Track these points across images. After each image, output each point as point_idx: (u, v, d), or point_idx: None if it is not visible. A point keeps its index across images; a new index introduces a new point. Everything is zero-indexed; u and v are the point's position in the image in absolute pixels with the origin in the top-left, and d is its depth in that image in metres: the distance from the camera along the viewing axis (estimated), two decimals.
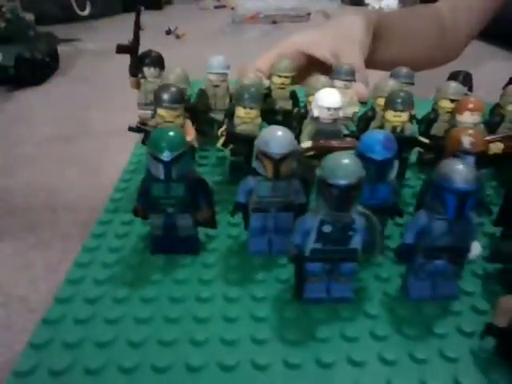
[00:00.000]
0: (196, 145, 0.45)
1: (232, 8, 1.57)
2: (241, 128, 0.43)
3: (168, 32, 1.35)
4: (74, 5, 1.36)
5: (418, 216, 0.30)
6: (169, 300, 0.33)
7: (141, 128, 0.42)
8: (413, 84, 0.54)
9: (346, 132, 0.43)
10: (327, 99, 0.40)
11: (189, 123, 0.44)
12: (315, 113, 0.41)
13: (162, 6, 1.56)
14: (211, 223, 0.36)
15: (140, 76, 0.52)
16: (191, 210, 0.34)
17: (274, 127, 0.33)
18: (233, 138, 0.43)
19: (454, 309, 0.33)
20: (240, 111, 0.43)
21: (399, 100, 0.42)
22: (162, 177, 0.32)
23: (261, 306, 0.33)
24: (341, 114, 0.41)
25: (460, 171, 0.27)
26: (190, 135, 0.42)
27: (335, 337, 0.30)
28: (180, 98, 0.41)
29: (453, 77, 0.57)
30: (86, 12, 1.39)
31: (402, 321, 0.32)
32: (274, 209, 0.34)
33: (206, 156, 0.54)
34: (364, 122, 0.49)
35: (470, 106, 0.44)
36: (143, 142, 0.43)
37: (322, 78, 0.50)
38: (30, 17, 1.00)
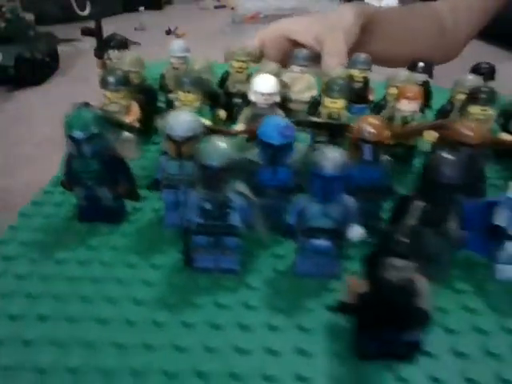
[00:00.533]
0: (137, 125, 0.46)
1: (232, 8, 1.57)
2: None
3: (168, 32, 1.35)
4: (74, 5, 1.36)
5: (298, 199, 0.32)
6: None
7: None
8: (369, 70, 0.54)
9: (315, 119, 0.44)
10: (261, 85, 0.42)
11: (134, 105, 0.46)
12: (251, 98, 0.42)
13: (162, 6, 1.56)
14: (133, 196, 0.39)
15: (106, 58, 0.55)
16: (110, 184, 0.37)
17: (179, 112, 0.35)
18: None
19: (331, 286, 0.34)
20: (180, 94, 0.45)
21: (336, 87, 0.43)
22: (75, 153, 0.35)
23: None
24: (276, 99, 0.42)
25: (327, 158, 0.29)
26: (132, 116, 0.45)
27: (209, 304, 0.32)
28: (124, 81, 0.45)
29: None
30: (86, 12, 1.39)
31: (278, 293, 0.33)
32: (183, 185, 0.36)
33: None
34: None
35: (408, 94, 0.44)
36: None
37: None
38: (29, 17, 1.01)
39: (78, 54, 1.17)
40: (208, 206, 0.31)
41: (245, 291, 0.34)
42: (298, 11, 1.58)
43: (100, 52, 0.54)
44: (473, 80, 0.49)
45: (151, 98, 0.53)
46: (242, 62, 0.55)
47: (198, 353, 0.29)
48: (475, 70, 0.56)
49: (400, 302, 0.23)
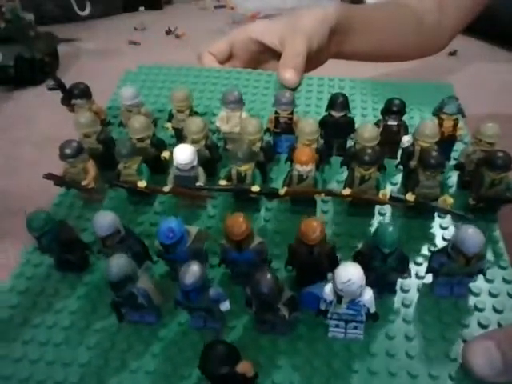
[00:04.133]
0: (93, 185, 0.51)
1: (232, 8, 1.57)
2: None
3: (168, 32, 1.35)
4: (74, 5, 1.36)
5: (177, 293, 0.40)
6: None
7: None
8: (293, 109, 0.57)
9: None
10: (177, 157, 0.48)
11: (90, 165, 0.51)
12: (174, 163, 0.49)
13: (162, 6, 1.56)
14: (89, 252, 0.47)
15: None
16: (70, 252, 0.46)
17: (100, 212, 0.42)
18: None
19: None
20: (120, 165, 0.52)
21: (240, 155, 0.48)
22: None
23: None
24: (195, 163, 0.49)
25: (184, 272, 0.37)
26: (88, 178, 0.50)
27: None
28: (76, 153, 0.50)
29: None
30: (86, 12, 1.39)
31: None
32: None
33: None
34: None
35: (302, 158, 0.48)
36: None
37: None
38: (29, 17, 1.01)
39: (78, 54, 1.17)
40: (119, 299, 0.40)
41: None
42: (297, 11, 1.57)
43: (68, 101, 0.59)
44: (432, 128, 0.51)
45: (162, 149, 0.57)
46: (180, 106, 0.59)
47: None
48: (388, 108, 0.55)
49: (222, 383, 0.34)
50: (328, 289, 0.38)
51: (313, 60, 0.73)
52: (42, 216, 0.42)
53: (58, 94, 0.57)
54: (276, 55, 0.73)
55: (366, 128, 0.51)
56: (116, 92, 0.65)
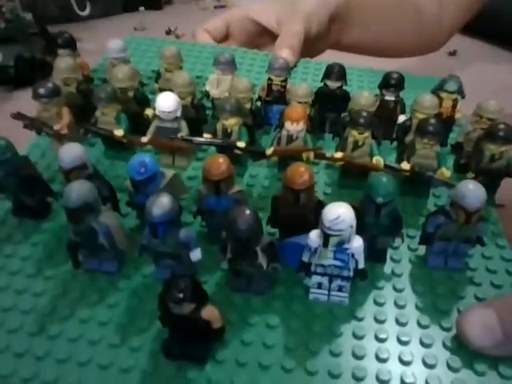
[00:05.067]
0: (65, 131, 0.47)
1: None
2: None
3: (168, 32, 1.35)
4: (74, 5, 1.36)
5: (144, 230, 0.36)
6: None
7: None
8: (288, 75, 0.54)
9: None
10: (162, 104, 0.46)
11: (65, 111, 0.48)
12: (156, 113, 0.46)
13: (162, 6, 1.56)
14: (51, 197, 0.44)
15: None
16: (29, 192, 0.42)
17: (68, 144, 0.40)
18: None
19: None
20: (99, 109, 0.49)
21: (228, 107, 0.46)
22: None
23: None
24: (178, 114, 0.46)
25: (152, 203, 0.34)
26: (61, 123, 0.47)
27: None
28: (50, 94, 0.46)
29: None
30: (86, 12, 1.39)
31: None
32: None
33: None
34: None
35: (293, 115, 0.45)
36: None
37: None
38: (29, 17, 1.00)
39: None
40: (77, 238, 0.36)
41: None
42: None
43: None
44: (431, 100, 0.49)
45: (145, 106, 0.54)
46: (169, 63, 0.56)
47: None
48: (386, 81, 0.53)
49: (183, 328, 0.31)
50: (314, 234, 0.34)
51: (311, 46, 0.72)
52: (1, 142, 0.39)
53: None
54: (273, 38, 0.72)
55: (363, 94, 0.49)
56: (105, 57, 0.62)
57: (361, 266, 0.34)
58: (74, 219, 0.35)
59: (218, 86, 0.55)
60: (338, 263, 0.34)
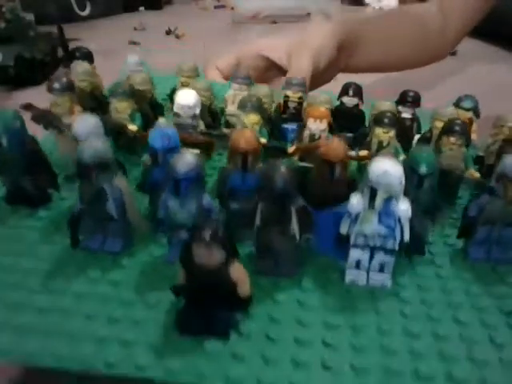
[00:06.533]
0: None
1: (232, 8, 1.57)
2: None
3: (168, 32, 1.35)
4: (74, 5, 1.36)
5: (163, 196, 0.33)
6: None
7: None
8: (304, 91, 0.53)
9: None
10: (180, 99, 0.45)
11: (77, 108, 0.48)
12: (174, 109, 0.46)
13: (162, 6, 1.56)
14: (54, 186, 0.41)
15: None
16: (31, 175, 0.39)
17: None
18: None
19: None
20: (114, 103, 0.48)
21: (249, 104, 0.45)
22: None
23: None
24: (196, 111, 0.46)
25: (177, 159, 0.31)
26: (70, 117, 0.46)
27: None
28: (65, 86, 0.47)
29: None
30: (86, 12, 1.39)
31: None
32: None
33: None
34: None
35: (315, 113, 0.45)
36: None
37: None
38: (30, 17, 1.00)
39: None
40: (83, 205, 0.33)
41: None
42: (298, 11, 1.58)
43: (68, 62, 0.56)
44: (450, 110, 0.49)
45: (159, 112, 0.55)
46: (187, 77, 0.57)
47: None
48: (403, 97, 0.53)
49: (207, 290, 0.27)
50: (355, 199, 0.31)
51: (320, 77, 0.72)
52: (10, 112, 0.37)
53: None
54: (283, 72, 0.72)
55: (384, 103, 0.50)
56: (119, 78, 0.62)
57: (406, 236, 0.31)
58: (85, 176, 0.32)
59: (233, 101, 0.54)
60: (382, 230, 0.31)
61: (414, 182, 0.34)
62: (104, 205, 0.33)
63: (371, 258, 0.32)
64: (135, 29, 1.37)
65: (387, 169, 0.29)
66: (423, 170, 0.34)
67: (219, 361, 0.28)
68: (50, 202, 0.41)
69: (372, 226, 0.31)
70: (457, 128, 0.43)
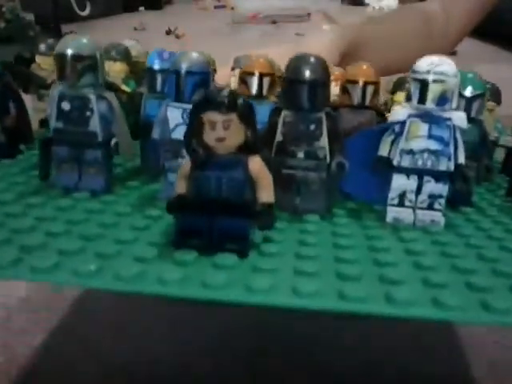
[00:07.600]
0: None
1: (232, 8, 1.57)
2: None
3: (168, 32, 1.35)
4: (74, 5, 1.36)
5: (161, 109, 0.27)
6: None
7: None
8: None
9: None
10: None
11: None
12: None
13: (162, 6, 1.56)
14: (26, 136, 0.34)
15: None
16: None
17: None
18: None
19: None
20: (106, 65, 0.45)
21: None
22: None
23: None
24: None
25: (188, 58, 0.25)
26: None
27: None
28: (51, 47, 0.42)
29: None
30: (86, 12, 1.39)
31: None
32: None
33: None
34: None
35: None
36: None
37: None
38: (30, 17, 1.01)
39: None
40: (67, 106, 0.26)
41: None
42: (298, 11, 1.58)
43: None
44: None
45: None
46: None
47: None
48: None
49: (220, 187, 0.20)
50: (398, 107, 0.25)
51: None
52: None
53: None
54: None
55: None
56: None
57: (461, 158, 0.24)
58: (65, 77, 0.26)
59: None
60: (433, 145, 0.24)
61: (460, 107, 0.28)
62: (86, 120, 0.26)
63: (418, 190, 0.25)
64: (135, 29, 1.37)
65: (434, 61, 0.24)
66: (469, 91, 0.29)
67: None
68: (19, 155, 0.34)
69: (420, 141, 0.24)
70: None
